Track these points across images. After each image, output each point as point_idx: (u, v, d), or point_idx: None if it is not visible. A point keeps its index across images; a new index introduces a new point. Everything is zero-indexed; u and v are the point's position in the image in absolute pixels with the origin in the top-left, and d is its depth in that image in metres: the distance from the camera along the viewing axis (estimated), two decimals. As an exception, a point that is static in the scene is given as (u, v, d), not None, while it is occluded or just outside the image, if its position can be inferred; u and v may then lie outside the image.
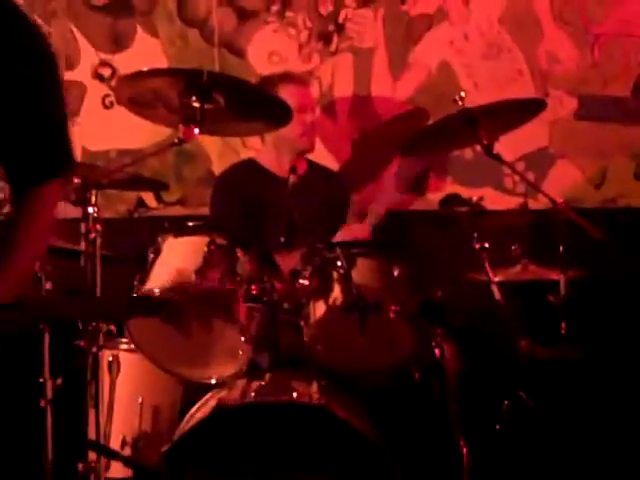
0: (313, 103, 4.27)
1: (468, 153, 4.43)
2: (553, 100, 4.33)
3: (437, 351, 3.39)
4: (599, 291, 4.00)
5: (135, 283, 3.25)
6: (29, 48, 2.30)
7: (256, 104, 3.46)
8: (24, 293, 2.35)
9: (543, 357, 3.64)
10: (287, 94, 3.86)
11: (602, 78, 4.45)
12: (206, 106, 3.29)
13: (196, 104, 3.28)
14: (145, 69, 3.62)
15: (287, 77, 4.15)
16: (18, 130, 2.30)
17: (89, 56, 4.71)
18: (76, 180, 3.39)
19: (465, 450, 3.14)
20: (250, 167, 4.19)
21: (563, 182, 4.43)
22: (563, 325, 3.67)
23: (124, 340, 3.46)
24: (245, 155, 4.43)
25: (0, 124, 2.27)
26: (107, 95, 4.64)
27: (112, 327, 3.48)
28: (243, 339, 3.16)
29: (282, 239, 3.48)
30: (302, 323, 3.22)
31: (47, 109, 2.34)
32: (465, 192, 4.12)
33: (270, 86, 3.95)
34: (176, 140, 3.35)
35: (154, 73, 3.58)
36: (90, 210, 3.43)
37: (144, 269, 3.28)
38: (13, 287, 2.27)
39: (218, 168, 4.53)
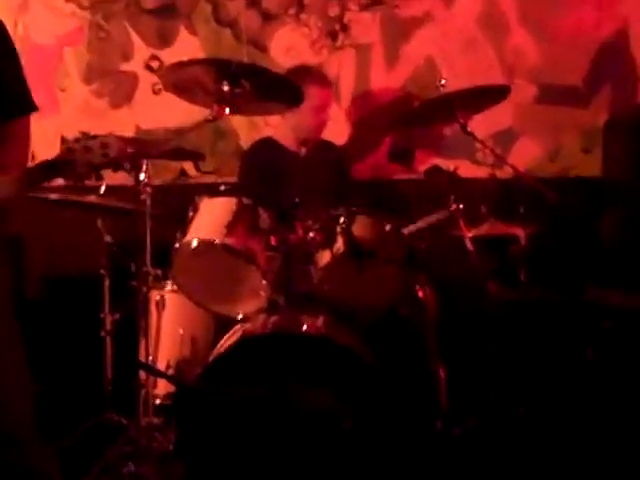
0: (331, 102, 4.19)
1: (447, 131, 4.41)
2: (517, 87, 4.25)
3: (420, 293, 3.41)
4: (552, 244, 3.99)
5: (177, 235, 3.26)
6: None
7: (275, 88, 3.41)
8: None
9: (506, 297, 3.64)
10: (312, 93, 3.84)
11: (558, 69, 4.39)
12: (235, 90, 3.25)
13: (226, 88, 3.24)
14: (186, 59, 3.59)
15: (315, 77, 4.06)
16: None
17: (141, 51, 4.66)
18: (130, 150, 3.39)
19: (442, 370, 3.16)
20: (270, 144, 4.15)
21: (524, 156, 4.39)
22: (522, 271, 3.67)
23: (168, 283, 3.48)
24: (267, 132, 4.37)
25: None
26: (156, 83, 4.61)
27: (159, 271, 3.49)
28: (264, 282, 3.17)
29: (296, 200, 3.46)
30: (311, 268, 3.24)
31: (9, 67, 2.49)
32: (444, 163, 4.09)
33: (299, 80, 3.74)
34: (210, 117, 3.33)
35: (193, 63, 3.52)
36: (142, 176, 3.45)
37: (184, 224, 3.29)
38: None
39: (245, 143, 4.50)
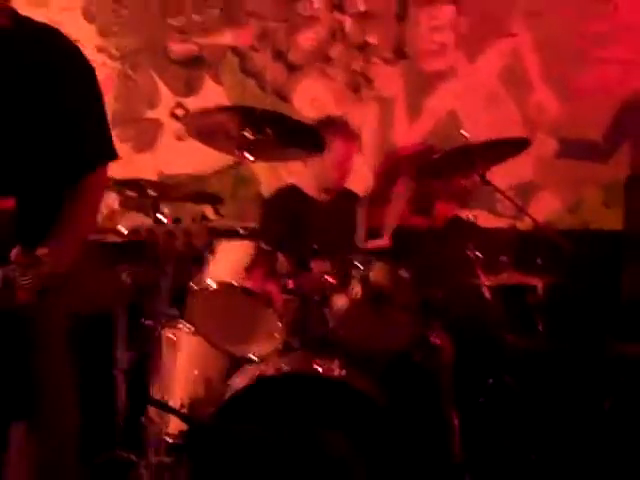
0: (354, 154, 4.20)
1: (468, 182, 4.41)
2: (538, 142, 4.29)
3: (435, 339, 3.39)
4: (570, 295, 3.96)
5: (195, 276, 3.27)
6: (76, 67, 2.35)
7: (298, 136, 3.45)
8: (72, 268, 2.30)
9: (523, 347, 3.62)
10: (337, 145, 3.88)
11: (579, 125, 4.42)
12: (258, 137, 3.28)
13: (250, 135, 3.28)
14: (211, 106, 3.65)
15: (341, 129, 4.06)
16: (71, 129, 2.31)
17: (167, 99, 4.76)
18: (152, 194, 3.43)
19: (455, 417, 3.13)
20: (293, 191, 4.18)
21: (544, 208, 4.40)
22: (540, 322, 3.65)
23: (184, 323, 3.46)
24: (288, 180, 4.42)
25: (55, 125, 2.29)
26: (179, 130, 4.69)
27: (175, 311, 3.49)
28: (279, 324, 3.17)
29: (315, 246, 3.47)
30: (327, 312, 3.24)
31: (92, 113, 2.37)
32: (464, 214, 4.10)
33: (325, 131, 3.73)
34: (233, 163, 3.37)
35: (217, 110, 3.57)
36: (162, 218, 3.47)
37: (202, 266, 3.31)
38: (64, 260, 2.23)
39: (266, 189, 4.55)
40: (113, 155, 2.43)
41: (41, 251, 2.06)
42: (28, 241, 2.09)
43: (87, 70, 2.38)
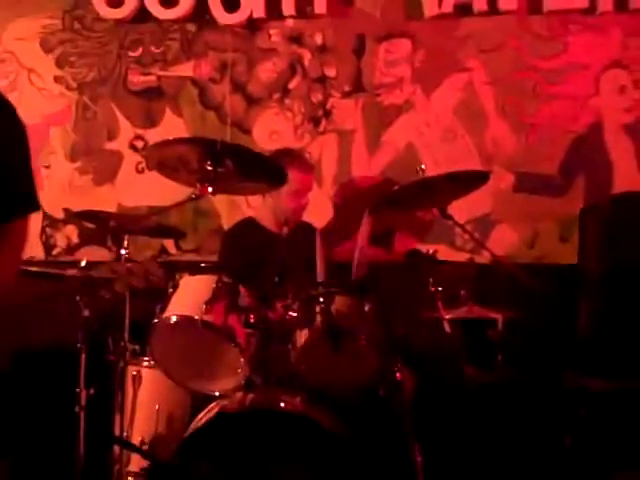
0: (311, 187, 4.24)
1: (427, 215, 4.46)
2: (495, 176, 4.32)
3: (398, 374, 3.39)
4: (528, 329, 4.00)
5: (157, 310, 3.26)
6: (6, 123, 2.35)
7: (258, 169, 3.45)
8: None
9: (483, 380, 3.64)
10: (293, 176, 3.85)
11: (534, 159, 4.48)
12: (218, 169, 3.28)
13: (210, 167, 3.28)
14: (171, 138, 3.64)
15: (297, 161, 4.11)
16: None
17: (127, 131, 4.75)
18: (112, 224, 3.41)
19: (418, 453, 3.13)
20: (251, 224, 4.19)
21: (503, 242, 4.43)
22: (499, 355, 3.67)
23: (146, 358, 3.45)
24: (248, 213, 4.43)
25: None
26: (139, 162, 4.68)
27: (137, 347, 3.47)
28: (242, 359, 3.15)
29: (276, 279, 3.46)
30: (290, 347, 3.23)
31: (16, 164, 2.36)
32: (423, 247, 4.12)
33: (281, 162, 3.78)
34: (193, 196, 3.36)
35: (178, 141, 3.57)
36: (122, 252, 3.45)
37: (164, 300, 3.29)
38: None
39: (226, 222, 4.55)
40: (36, 206, 2.41)
41: None
42: None
43: (17, 125, 2.38)
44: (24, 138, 2.39)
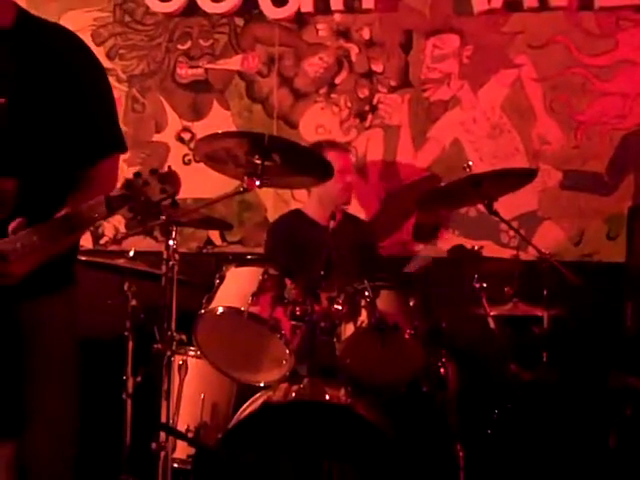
0: (351, 166, 4.27)
1: (472, 212, 4.46)
2: (542, 173, 4.31)
3: (442, 369, 3.39)
4: (574, 327, 3.97)
5: (203, 301, 3.29)
6: (88, 61, 2.39)
7: (305, 163, 3.47)
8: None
9: (527, 378, 3.63)
10: (331, 158, 3.85)
11: (583, 157, 4.44)
12: (266, 163, 3.30)
13: (258, 161, 3.29)
14: (220, 131, 3.67)
15: (332, 144, 4.15)
16: (88, 119, 2.33)
17: (174, 123, 4.79)
18: (162, 217, 3.44)
19: (460, 449, 3.13)
20: (297, 216, 4.21)
21: (549, 239, 4.39)
22: (544, 353, 3.66)
23: (192, 348, 3.48)
24: (294, 206, 4.45)
25: (73, 115, 2.30)
26: (186, 154, 4.72)
27: (183, 336, 3.50)
28: (287, 351, 3.18)
29: (322, 272, 3.47)
30: (335, 340, 3.25)
31: (103, 105, 2.40)
32: (468, 243, 4.11)
33: (318, 150, 3.91)
34: (241, 189, 3.37)
35: (226, 135, 3.60)
36: (171, 242, 3.48)
37: (211, 291, 3.32)
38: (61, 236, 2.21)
39: (272, 215, 4.57)
40: (123, 147, 2.45)
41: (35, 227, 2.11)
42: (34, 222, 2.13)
43: (98, 66, 2.43)
44: (106, 78, 2.45)
